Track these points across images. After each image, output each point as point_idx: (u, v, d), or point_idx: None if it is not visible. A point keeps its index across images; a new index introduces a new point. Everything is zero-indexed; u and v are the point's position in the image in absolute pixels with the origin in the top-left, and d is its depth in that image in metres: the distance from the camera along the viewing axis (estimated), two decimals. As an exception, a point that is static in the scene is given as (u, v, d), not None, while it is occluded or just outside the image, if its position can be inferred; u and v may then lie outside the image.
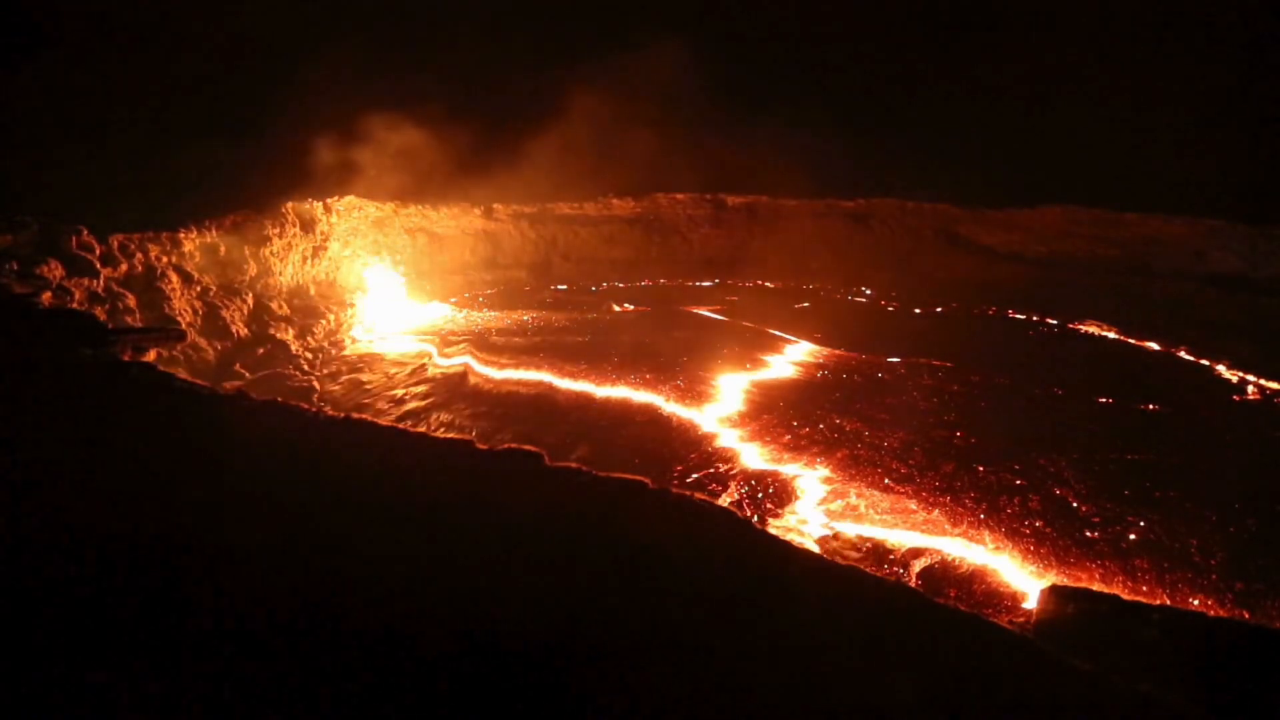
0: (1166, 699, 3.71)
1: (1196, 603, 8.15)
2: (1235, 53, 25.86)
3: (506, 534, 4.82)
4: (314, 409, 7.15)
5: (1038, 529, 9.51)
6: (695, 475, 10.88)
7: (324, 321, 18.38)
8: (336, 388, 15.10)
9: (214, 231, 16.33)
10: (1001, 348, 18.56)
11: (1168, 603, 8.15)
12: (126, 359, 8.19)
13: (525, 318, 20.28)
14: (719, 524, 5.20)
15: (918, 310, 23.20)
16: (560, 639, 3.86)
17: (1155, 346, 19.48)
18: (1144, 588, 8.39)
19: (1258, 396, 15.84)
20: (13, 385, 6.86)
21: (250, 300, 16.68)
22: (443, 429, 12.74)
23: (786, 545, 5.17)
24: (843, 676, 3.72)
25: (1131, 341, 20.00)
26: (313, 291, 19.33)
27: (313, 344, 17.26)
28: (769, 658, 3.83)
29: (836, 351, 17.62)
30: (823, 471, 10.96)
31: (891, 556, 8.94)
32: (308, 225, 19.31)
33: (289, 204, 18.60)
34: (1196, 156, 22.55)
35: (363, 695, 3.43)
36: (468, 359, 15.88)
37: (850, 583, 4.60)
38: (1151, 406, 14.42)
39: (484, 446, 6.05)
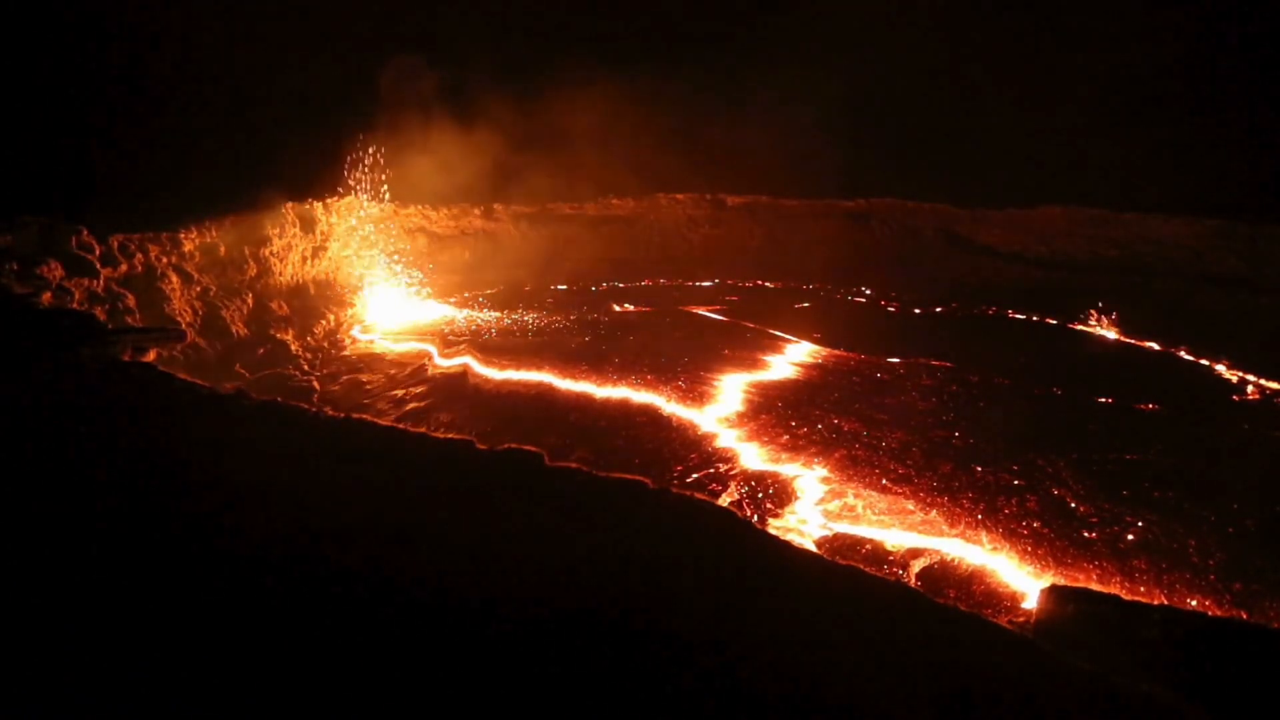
0: (1166, 699, 3.72)
1: (1194, 604, 8.11)
2: (1235, 53, 25.86)
3: (507, 534, 4.82)
4: (314, 409, 7.14)
5: (1035, 529, 9.49)
6: (695, 475, 10.88)
7: (324, 321, 18.39)
8: (336, 388, 15.09)
9: (214, 231, 16.31)
10: (1001, 348, 18.54)
11: (1166, 603, 8.13)
12: (126, 359, 8.19)
13: (525, 318, 20.28)
14: (719, 524, 5.20)
15: (917, 310, 23.20)
16: (561, 639, 3.86)
17: (1155, 346, 19.49)
18: (1142, 589, 8.37)
19: (1257, 396, 15.84)
20: (13, 385, 6.86)
21: (250, 300, 16.67)
22: (443, 429, 12.73)
23: (787, 545, 5.18)
24: (843, 676, 3.72)
25: (1131, 341, 20.01)
26: (313, 291, 19.32)
27: (313, 344, 17.27)
28: (770, 658, 3.83)
29: (836, 352, 17.62)
30: (820, 472, 10.96)
31: (891, 557, 8.94)
32: (308, 225, 19.31)
33: (289, 204, 18.60)
34: (1197, 156, 22.56)
35: (361, 693, 3.43)
36: (468, 359, 15.87)
37: (850, 583, 4.60)
38: (1150, 406, 14.42)
39: (484, 447, 6.05)
